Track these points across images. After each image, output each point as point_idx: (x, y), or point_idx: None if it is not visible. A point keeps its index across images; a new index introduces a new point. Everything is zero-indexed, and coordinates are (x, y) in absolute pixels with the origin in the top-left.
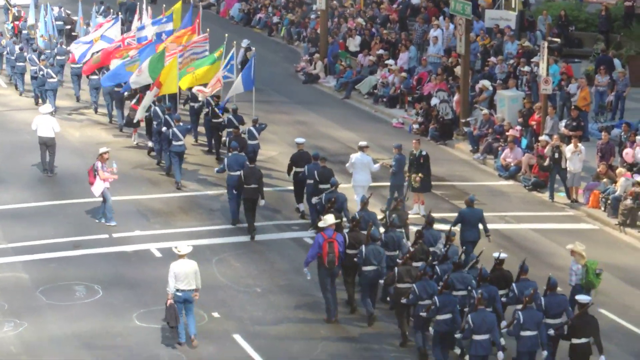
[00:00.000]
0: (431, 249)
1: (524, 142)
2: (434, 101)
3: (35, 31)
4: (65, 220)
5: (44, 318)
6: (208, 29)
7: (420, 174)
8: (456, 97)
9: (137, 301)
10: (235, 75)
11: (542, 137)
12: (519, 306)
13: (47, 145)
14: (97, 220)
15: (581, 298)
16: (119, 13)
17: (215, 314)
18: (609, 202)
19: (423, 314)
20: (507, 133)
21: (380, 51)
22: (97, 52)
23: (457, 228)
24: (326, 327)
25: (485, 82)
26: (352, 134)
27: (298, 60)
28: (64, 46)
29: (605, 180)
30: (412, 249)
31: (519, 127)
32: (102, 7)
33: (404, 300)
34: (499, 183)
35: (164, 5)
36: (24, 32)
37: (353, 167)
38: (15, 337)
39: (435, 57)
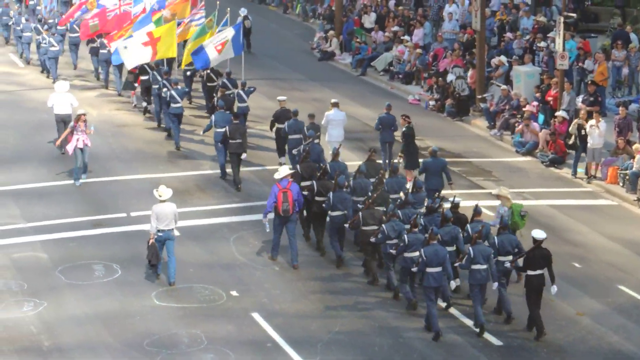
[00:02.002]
0: (395, 196)
1: (541, 118)
2: (450, 77)
3: (40, 1)
4: (83, 199)
5: (63, 298)
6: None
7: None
8: (471, 72)
9: (155, 280)
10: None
11: (559, 113)
12: None
13: (65, 122)
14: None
15: (536, 234)
16: None
17: (234, 293)
18: (627, 177)
19: (392, 251)
20: (523, 109)
21: (396, 27)
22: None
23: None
24: (345, 304)
25: (502, 58)
26: (368, 110)
27: (313, 38)
28: (63, 16)
29: (623, 155)
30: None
31: (535, 103)
32: None
33: (372, 239)
34: (516, 159)
35: None
36: (31, 2)
37: (329, 124)
38: (35, 317)
39: (451, 33)
